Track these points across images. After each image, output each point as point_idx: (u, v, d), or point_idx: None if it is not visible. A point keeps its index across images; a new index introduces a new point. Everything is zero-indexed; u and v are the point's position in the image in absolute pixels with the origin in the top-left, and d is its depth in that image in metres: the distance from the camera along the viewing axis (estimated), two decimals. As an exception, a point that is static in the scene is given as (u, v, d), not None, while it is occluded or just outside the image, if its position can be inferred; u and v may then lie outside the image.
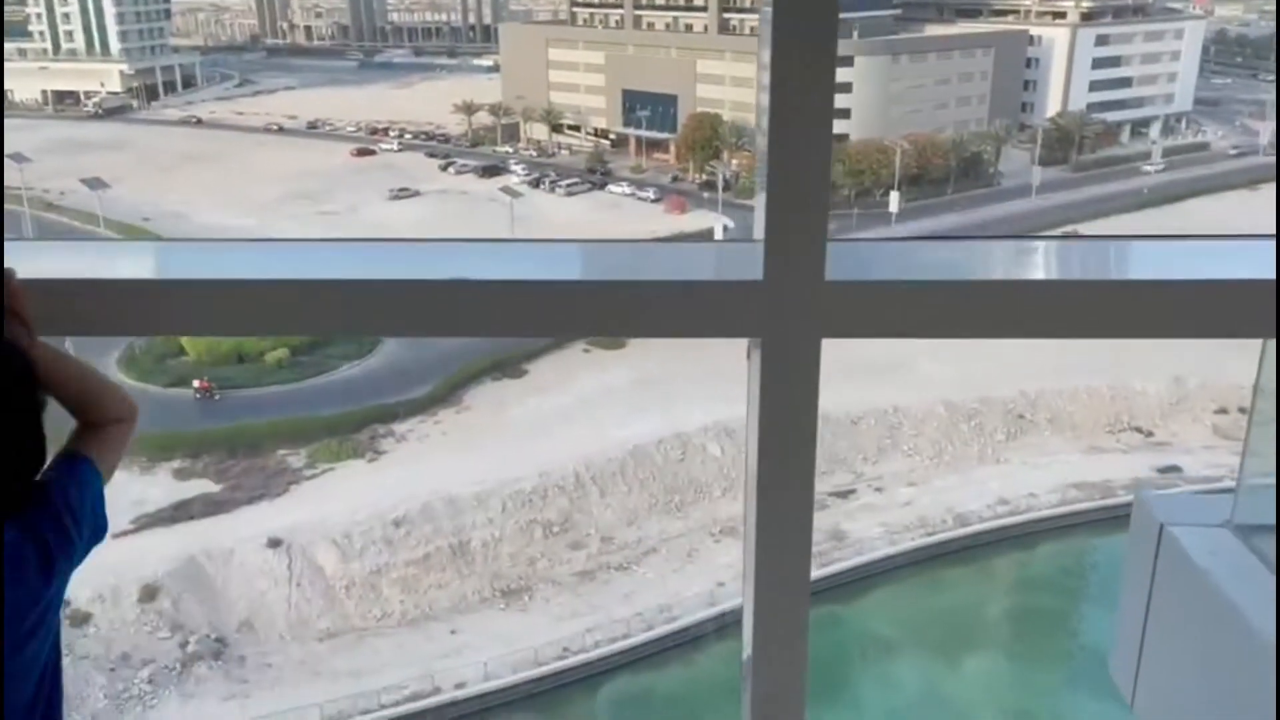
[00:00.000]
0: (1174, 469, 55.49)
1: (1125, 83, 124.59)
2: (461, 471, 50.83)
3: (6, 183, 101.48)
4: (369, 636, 43.64)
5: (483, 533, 47.85)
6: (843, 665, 44.99)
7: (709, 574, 47.34)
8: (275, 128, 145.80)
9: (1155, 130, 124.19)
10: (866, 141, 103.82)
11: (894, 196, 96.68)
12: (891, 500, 54.34)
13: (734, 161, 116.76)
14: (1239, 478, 3.32)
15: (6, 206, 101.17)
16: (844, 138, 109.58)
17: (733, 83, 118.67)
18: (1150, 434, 60.09)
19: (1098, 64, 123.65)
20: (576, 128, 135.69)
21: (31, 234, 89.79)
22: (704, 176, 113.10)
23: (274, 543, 45.43)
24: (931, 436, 58.51)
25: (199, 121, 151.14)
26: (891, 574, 49.47)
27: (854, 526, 51.70)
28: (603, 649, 42.83)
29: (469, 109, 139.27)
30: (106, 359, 66.83)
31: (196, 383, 61.56)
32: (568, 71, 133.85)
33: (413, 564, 46.08)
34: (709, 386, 63.66)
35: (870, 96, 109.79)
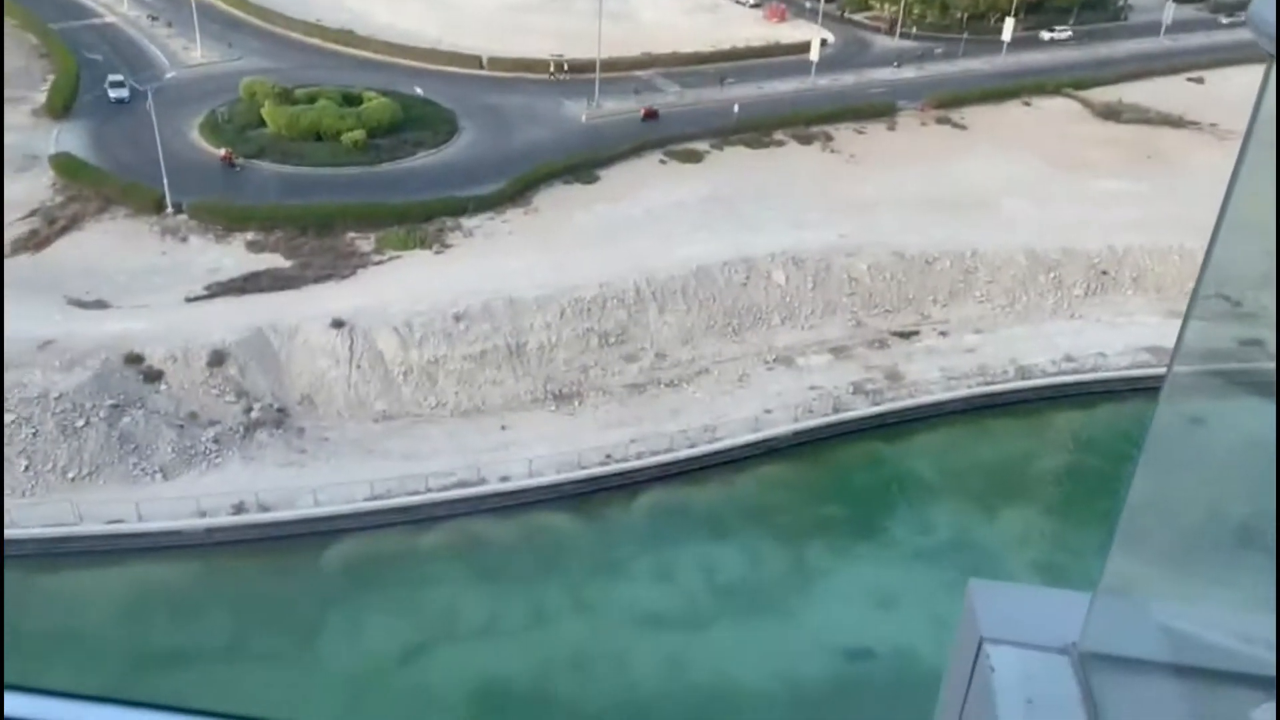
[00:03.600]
0: (1255, 342, 53.20)
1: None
2: (524, 273, 50.92)
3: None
4: (422, 423, 45.18)
5: (540, 336, 48.38)
6: (878, 503, 45.60)
7: (758, 399, 47.61)
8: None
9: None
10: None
11: (1008, 23, 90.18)
12: (955, 345, 53.42)
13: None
14: (1098, 583, 2.36)
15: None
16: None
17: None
18: (1239, 304, 57.30)
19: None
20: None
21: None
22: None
23: (338, 323, 46.53)
24: (1006, 284, 56.74)
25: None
26: (942, 419, 49.21)
27: (912, 368, 51.16)
28: (644, 460, 43.77)
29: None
30: (189, 124, 67.42)
31: (221, 151, 61.99)
32: None
33: (469, 358, 47.01)
34: (783, 212, 62.26)
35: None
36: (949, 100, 79.27)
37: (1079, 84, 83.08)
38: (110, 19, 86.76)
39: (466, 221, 57.25)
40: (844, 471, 46.15)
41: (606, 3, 77.86)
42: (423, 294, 49.04)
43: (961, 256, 57.20)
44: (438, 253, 54.76)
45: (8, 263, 51.97)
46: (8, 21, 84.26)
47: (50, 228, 54.34)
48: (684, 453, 44.56)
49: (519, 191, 60.40)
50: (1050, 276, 57.30)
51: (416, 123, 68.44)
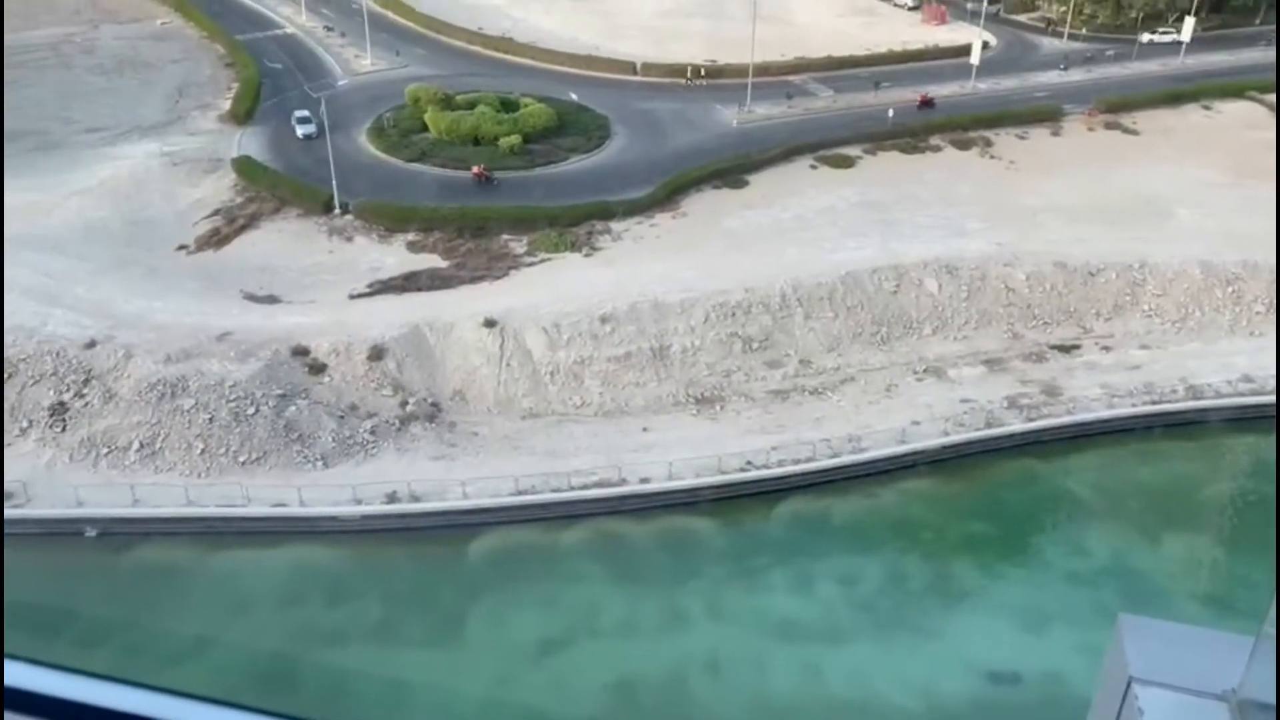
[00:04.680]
0: None
1: None
2: (670, 277, 51.25)
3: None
4: (567, 422, 46.04)
5: (684, 339, 48.58)
6: (1030, 522, 43.82)
7: (905, 411, 46.45)
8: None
9: None
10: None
11: (1188, 23, 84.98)
12: (1119, 361, 50.79)
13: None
14: (1262, 626, 2.18)
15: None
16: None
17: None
18: None
19: None
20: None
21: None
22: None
23: (490, 323, 47.94)
24: (1178, 299, 53.57)
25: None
26: (1103, 438, 46.86)
27: (1071, 383, 48.93)
28: (786, 468, 43.32)
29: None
30: (358, 128, 70.68)
31: (475, 169, 63.74)
32: None
33: (614, 360, 47.64)
34: (937, 219, 60.56)
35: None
36: (1119, 104, 75.48)
37: (1265, 87, 77.74)
38: (290, 30, 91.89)
39: (616, 225, 58.03)
40: (994, 488, 44.52)
41: (761, 6, 77.49)
42: (571, 296, 50.00)
43: (1129, 268, 54.37)
44: (587, 255, 55.70)
45: (195, 258, 55.78)
46: (198, 33, 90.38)
47: (230, 226, 58.00)
48: (827, 462, 43.86)
49: (668, 196, 60.82)
50: (1229, 291, 53.78)
51: (571, 128, 69.82)
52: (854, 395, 47.93)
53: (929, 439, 45.09)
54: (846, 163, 67.03)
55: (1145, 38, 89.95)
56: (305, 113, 69.59)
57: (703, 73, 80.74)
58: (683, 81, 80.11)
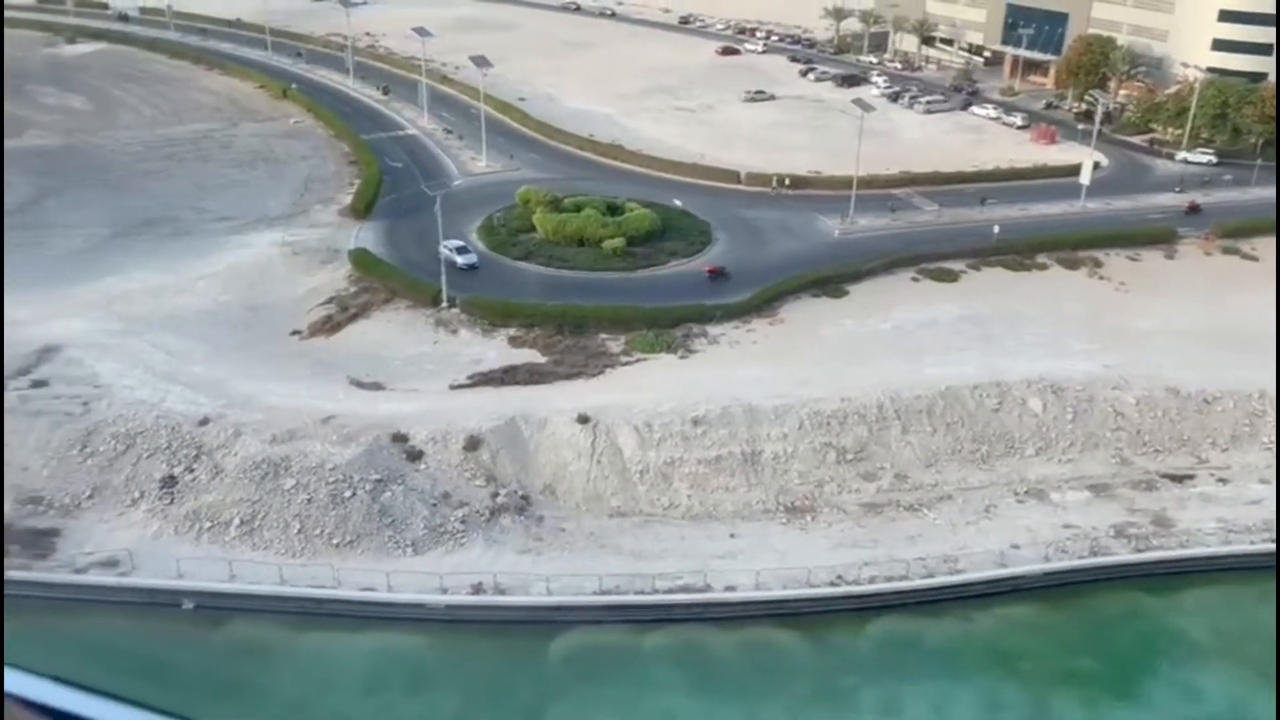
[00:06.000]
0: None
1: None
2: (765, 383, 51.08)
3: (413, 53, 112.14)
4: (654, 522, 45.70)
5: (776, 446, 48.10)
6: (1138, 659, 41.35)
7: (1005, 533, 44.84)
8: (651, 21, 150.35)
9: None
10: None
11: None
12: (1237, 495, 48.31)
13: (1121, 92, 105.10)
14: None
15: (406, 74, 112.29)
16: (1261, 77, 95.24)
17: (1136, 2, 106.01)
18: None
19: None
20: (949, 42, 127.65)
21: (425, 103, 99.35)
22: (1082, 106, 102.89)
23: (583, 419, 48.34)
24: (1301, 432, 50.99)
25: (578, 8, 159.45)
26: (1219, 575, 44.31)
27: (1184, 515, 46.66)
28: (877, 585, 42.02)
29: (838, 14, 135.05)
30: (469, 226, 73.32)
31: (707, 268, 65.72)
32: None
33: (704, 463, 47.38)
34: (1043, 337, 59.31)
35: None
36: (1238, 229, 73.53)
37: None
38: (412, 131, 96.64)
39: (713, 329, 58.40)
40: (1099, 621, 42.27)
41: (867, 121, 78.47)
42: (664, 396, 50.17)
43: (1248, 398, 52.14)
44: (682, 357, 56.03)
45: (308, 343, 58.00)
46: (327, 132, 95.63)
47: (343, 314, 60.29)
48: (920, 582, 42.42)
49: (766, 302, 61.11)
50: (1356, 426, 50.99)
51: (673, 232, 71.18)
52: (951, 514, 46.53)
53: (1029, 564, 43.29)
54: (950, 277, 66.50)
55: (1261, 163, 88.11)
56: (461, 243, 67.91)
57: (788, 182, 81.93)
58: (770, 190, 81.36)
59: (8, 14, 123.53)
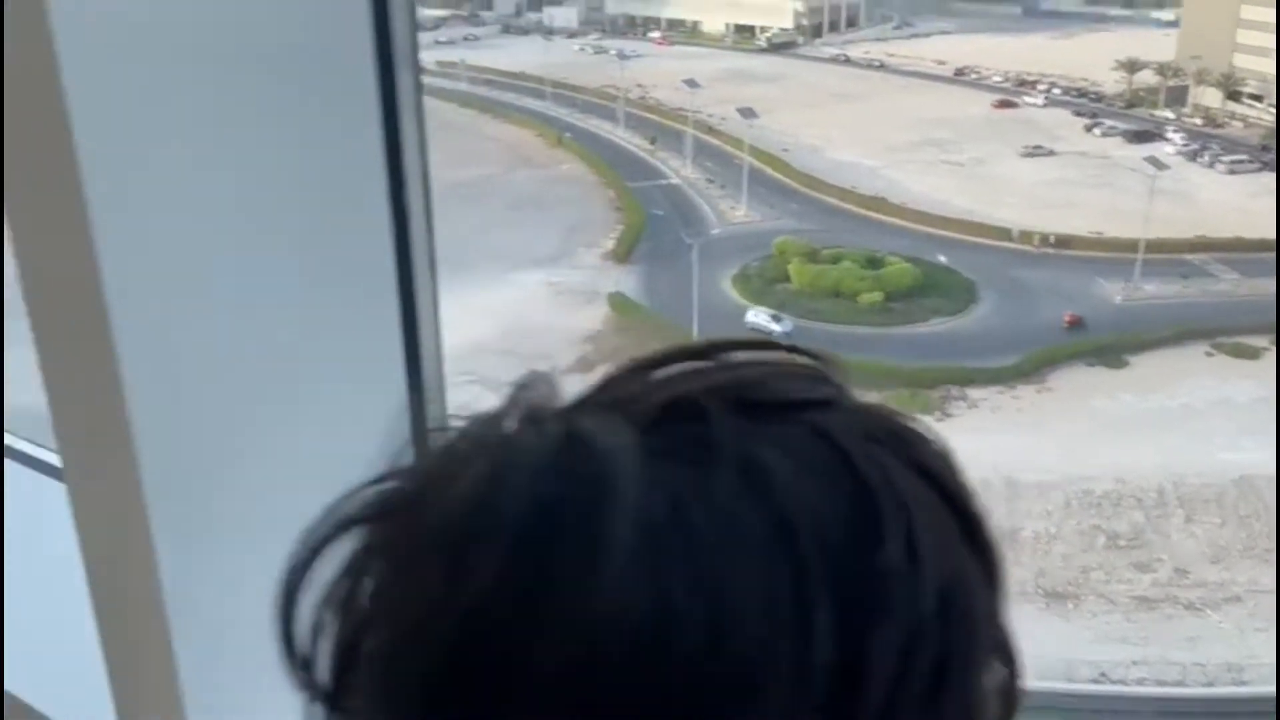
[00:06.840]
0: None
1: None
2: (1028, 454, 47.93)
3: (680, 104, 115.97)
4: (897, 593, 43.67)
5: (1037, 524, 44.82)
6: None
7: (1306, 647, 39.38)
8: (923, 73, 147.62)
9: None
10: None
11: None
12: None
13: None
14: None
15: (673, 125, 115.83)
16: None
17: None
18: None
19: None
20: (1258, 98, 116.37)
21: (689, 153, 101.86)
22: None
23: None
24: None
25: (847, 60, 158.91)
26: None
27: None
28: (1147, 688, 38.05)
29: (1131, 66, 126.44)
30: (724, 275, 74.02)
31: (1067, 317, 63.40)
32: (1262, 33, 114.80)
33: (956, 535, 44.89)
34: (1364, 426, 52.19)
35: None
36: None
37: None
38: (675, 180, 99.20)
39: (973, 392, 55.68)
40: None
41: (1160, 180, 72.92)
42: (917, 460, 48.07)
43: None
44: (939, 420, 53.45)
45: (572, 379, 60.20)
46: (596, 179, 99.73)
47: (597, 354, 62.39)
48: (1198, 690, 38.07)
49: (1034, 368, 57.69)
50: None
51: (935, 289, 68.60)
52: (1239, 617, 41.55)
53: (1334, 686, 37.80)
54: (1250, 353, 60.13)
55: None
56: (774, 312, 66.30)
57: (1051, 239, 77.34)
58: (1032, 247, 77.07)
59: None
